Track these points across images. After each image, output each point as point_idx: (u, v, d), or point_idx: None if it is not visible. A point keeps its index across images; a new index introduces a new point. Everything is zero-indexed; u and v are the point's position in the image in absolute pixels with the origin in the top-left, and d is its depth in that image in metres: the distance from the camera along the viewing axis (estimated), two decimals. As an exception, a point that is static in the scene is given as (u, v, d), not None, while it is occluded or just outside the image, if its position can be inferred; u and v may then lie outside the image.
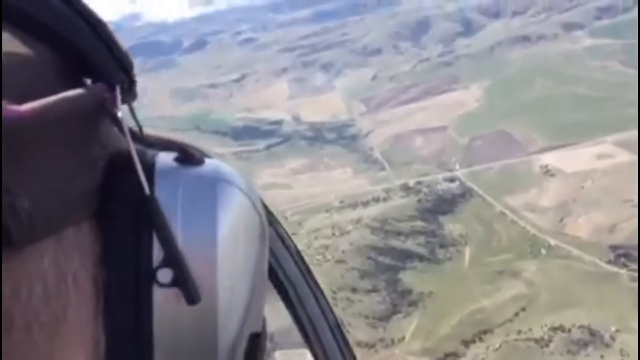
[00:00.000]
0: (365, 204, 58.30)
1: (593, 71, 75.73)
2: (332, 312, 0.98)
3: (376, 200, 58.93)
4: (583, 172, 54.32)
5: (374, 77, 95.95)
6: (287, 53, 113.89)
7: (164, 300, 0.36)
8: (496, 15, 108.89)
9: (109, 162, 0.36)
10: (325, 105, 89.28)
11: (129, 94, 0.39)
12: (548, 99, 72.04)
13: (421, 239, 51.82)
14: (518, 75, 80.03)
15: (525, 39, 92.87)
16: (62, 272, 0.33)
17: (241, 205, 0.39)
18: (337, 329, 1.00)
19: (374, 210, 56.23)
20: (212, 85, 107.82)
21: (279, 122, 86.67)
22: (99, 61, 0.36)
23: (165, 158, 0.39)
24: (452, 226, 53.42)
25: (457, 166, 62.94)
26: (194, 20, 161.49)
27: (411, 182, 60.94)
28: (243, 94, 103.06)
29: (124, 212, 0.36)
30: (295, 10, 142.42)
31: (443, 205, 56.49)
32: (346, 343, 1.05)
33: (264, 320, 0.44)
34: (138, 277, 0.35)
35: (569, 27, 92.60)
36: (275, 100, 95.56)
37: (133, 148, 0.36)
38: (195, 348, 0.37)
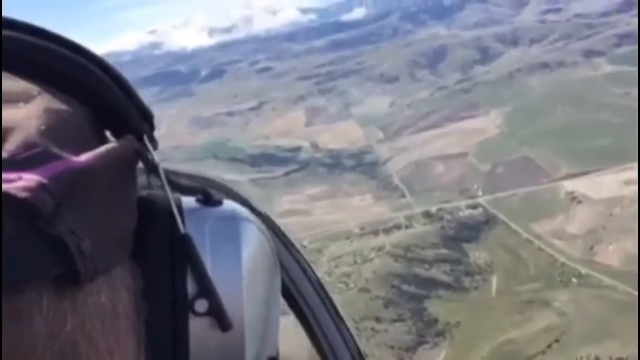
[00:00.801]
0: (387, 231, 57.28)
1: (615, 98, 74.94)
2: (355, 341, 0.99)
3: (398, 227, 57.91)
4: (611, 199, 53.01)
5: (392, 104, 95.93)
6: (303, 81, 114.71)
7: (199, 328, 0.40)
8: (514, 43, 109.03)
9: (139, 204, 0.41)
10: (343, 132, 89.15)
11: (152, 142, 0.44)
12: (570, 125, 71.16)
13: (446, 267, 50.57)
14: (538, 102, 79.41)
15: (545, 65, 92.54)
16: (115, 305, 0.37)
17: (259, 240, 0.45)
18: (359, 357, 1.01)
19: (396, 237, 55.19)
20: (229, 114, 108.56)
21: (296, 149, 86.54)
22: (127, 114, 0.41)
23: (188, 199, 0.44)
24: (477, 254, 52.13)
25: (480, 193, 61.92)
26: (212, 48, 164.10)
27: (433, 209, 59.93)
28: (260, 121, 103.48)
29: (161, 248, 0.40)
30: (311, 40, 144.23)
31: (467, 232, 55.32)
32: None
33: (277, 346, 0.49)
34: (177, 308, 0.39)
35: (588, 54, 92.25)
36: (292, 128, 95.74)
37: (169, 191, 0.42)
38: None
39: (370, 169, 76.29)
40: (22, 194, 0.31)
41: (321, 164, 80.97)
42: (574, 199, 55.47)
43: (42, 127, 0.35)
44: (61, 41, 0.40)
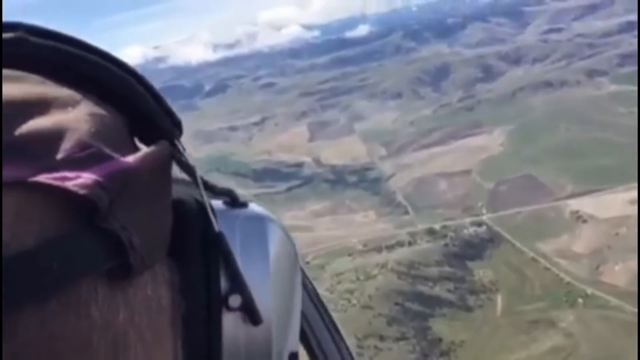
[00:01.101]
0: (390, 248, 56.89)
1: (619, 117, 75.00)
2: (352, 358, 1.00)
3: (401, 244, 57.53)
4: (616, 218, 52.69)
5: (395, 121, 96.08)
6: (306, 97, 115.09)
7: (232, 323, 0.42)
8: (516, 62, 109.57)
9: (172, 205, 0.43)
10: (346, 148, 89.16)
11: (181, 146, 0.47)
12: (574, 144, 71.12)
13: (450, 285, 50.08)
14: (542, 120, 79.48)
15: (548, 84, 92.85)
16: (159, 299, 0.39)
17: (282, 239, 0.48)
18: None
19: (399, 254, 54.79)
20: (233, 128, 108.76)
21: (299, 165, 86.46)
22: (159, 120, 0.44)
23: (216, 202, 0.46)
24: (481, 272, 51.68)
25: (484, 211, 61.62)
26: (216, 63, 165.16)
27: (437, 226, 59.60)
28: (263, 136, 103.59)
29: (196, 246, 0.42)
30: (314, 56, 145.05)
31: (471, 250, 54.92)
32: None
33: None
34: (212, 303, 0.42)
35: (591, 73, 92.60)
36: (295, 143, 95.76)
37: (204, 193, 0.44)
38: None
39: (373, 185, 76.09)
40: (82, 191, 0.34)
41: (324, 179, 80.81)
42: (579, 218, 55.17)
43: (92, 130, 0.37)
44: (93, 49, 0.42)
